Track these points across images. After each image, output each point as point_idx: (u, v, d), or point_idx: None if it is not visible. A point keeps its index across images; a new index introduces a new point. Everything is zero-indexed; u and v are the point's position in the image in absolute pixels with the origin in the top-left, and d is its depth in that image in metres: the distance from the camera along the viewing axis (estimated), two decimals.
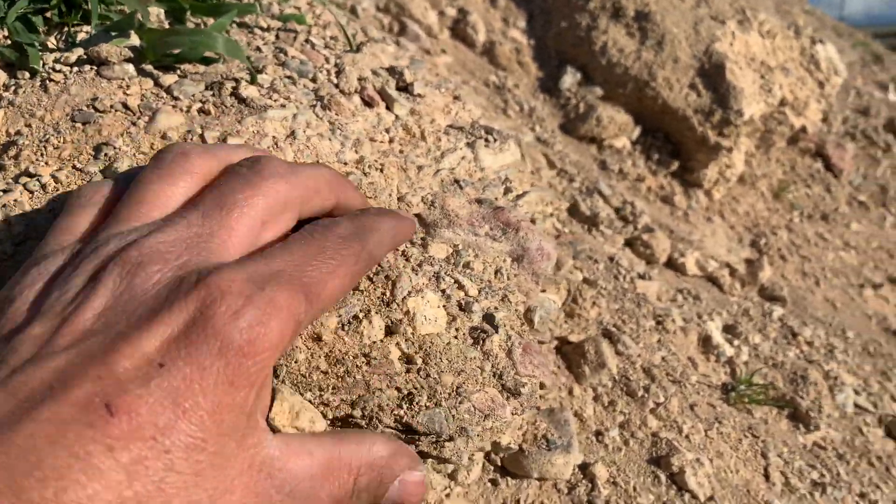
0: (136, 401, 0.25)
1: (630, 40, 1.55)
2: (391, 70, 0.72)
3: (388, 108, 0.67)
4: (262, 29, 0.69)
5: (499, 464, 0.70)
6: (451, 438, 0.49)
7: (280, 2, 0.76)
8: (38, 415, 0.24)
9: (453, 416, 0.48)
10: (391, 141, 0.64)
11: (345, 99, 0.63)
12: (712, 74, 1.52)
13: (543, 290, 0.72)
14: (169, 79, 0.54)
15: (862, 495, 0.96)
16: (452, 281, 0.55)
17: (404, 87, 0.71)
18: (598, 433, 0.78)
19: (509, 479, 0.70)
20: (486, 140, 0.74)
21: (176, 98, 0.53)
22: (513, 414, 0.53)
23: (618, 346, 0.87)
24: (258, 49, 0.65)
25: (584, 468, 0.73)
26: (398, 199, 0.60)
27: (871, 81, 3.17)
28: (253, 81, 0.57)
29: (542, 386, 0.56)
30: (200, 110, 0.53)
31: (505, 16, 1.70)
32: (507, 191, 0.70)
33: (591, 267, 0.98)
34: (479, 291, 0.56)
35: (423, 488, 0.38)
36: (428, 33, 1.44)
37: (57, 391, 0.25)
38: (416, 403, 0.46)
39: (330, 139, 0.56)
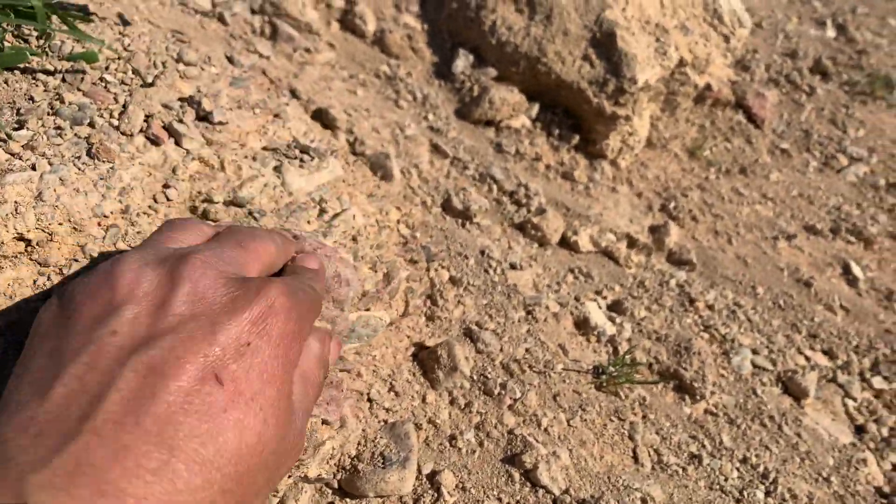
0: (237, 372, 0.35)
1: (519, 17, 1.53)
2: (189, 100, 0.70)
3: (177, 143, 0.65)
4: (47, 73, 0.68)
5: (335, 486, 0.70)
6: None
7: (82, 39, 0.74)
8: (167, 390, 0.32)
9: None
10: (178, 178, 0.63)
11: (122, 142, 0.61)
12: (604, 43, 1.50)
13: (367, 309, 0.72)
14: None
15: (744, 460, 0.97)
16: None
17: (204, 117, 0.70)
18: (451, 438, 0.78)
19: (348, 500, 0.70)
20: (301, 160, 0.73)
21: None
22: None
23: (477, 344, 0.88)
24: (31, 99, 0.63)
25: (432, 477, 0.74)
26: None
27: (810, 18, 3.15)
28: (5, 141, 0.55)
29: (324, 422, 0.55)
30: None
31: (397, 1, 1.67)
32: (322, 212, 0.70)
33: (458, 264, 0.98)
34: None
35: (340, 344, 0.57)
36: (309, 30, 1.42)
37: (174, 368, 0.33)
38: None
39: (87, 193, 0.55)
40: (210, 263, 0.39)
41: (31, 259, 0.51)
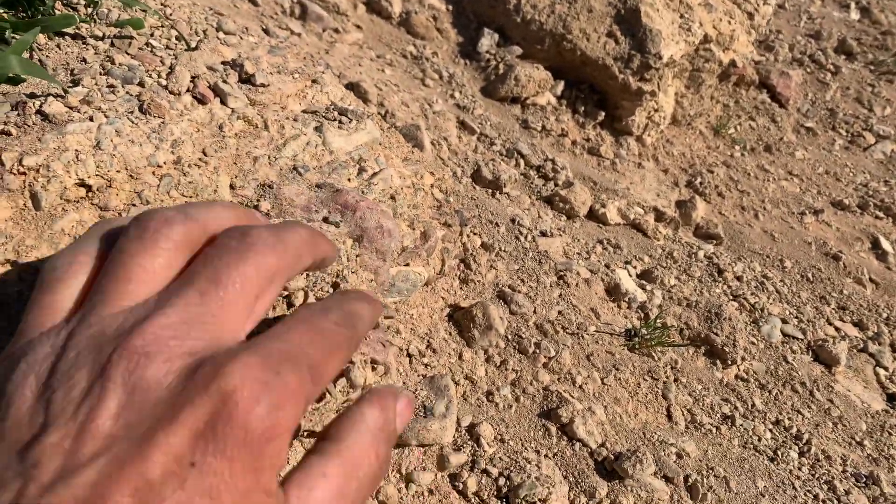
0: None
1: None
2: (232, 63, 0.73)
3: (223, 102, 0.68)
4: (96, 38, 0.70)
5: None
6: None
7: (128, 5, 0.76)
8: None
9: None
10: (224, 135, 0.65)
11: (171, 100, 0.64)
12: (629, 20, 1.51)
13: (406, 264, 0.73)
14: None
15: (776, 422, 0.98)
16: None
17: (247, 79, 0.72)
18: (489, 393, 0.80)
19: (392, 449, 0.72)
20: (340, 122, 0.75)
21: None
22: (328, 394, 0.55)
23: (511, 306, 0.89)
24: (83, 60, 0.65)
25: (471, 429, 0.75)
26: (230, 188, 0.62)
27: (833, 1, 3.13)
28: (63, 96, 0.58)
29: (373, 362, 0.57)
30: (2, 132, 0.54)
31: None
32: (361, 171, 0.72)
33: (490, 231, 1.00)
34: (309, 278, 0.58)
35: (413, 402, 0.39)
36: (336, 11, 1.44)
37: None
38: None
39: (142, 144, 0.57)
40: (156, 346, 0.30)
41: (92, 203, 0.53)
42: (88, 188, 0.54)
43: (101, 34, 0.71)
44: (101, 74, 0.64)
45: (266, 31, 0.88)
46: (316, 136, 0.71)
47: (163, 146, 0.58)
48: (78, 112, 0.57)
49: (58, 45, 0.69)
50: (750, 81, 2.03)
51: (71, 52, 0.68)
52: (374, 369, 0.58)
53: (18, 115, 0.56)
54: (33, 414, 0.28)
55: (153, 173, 0.57)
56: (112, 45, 0.71)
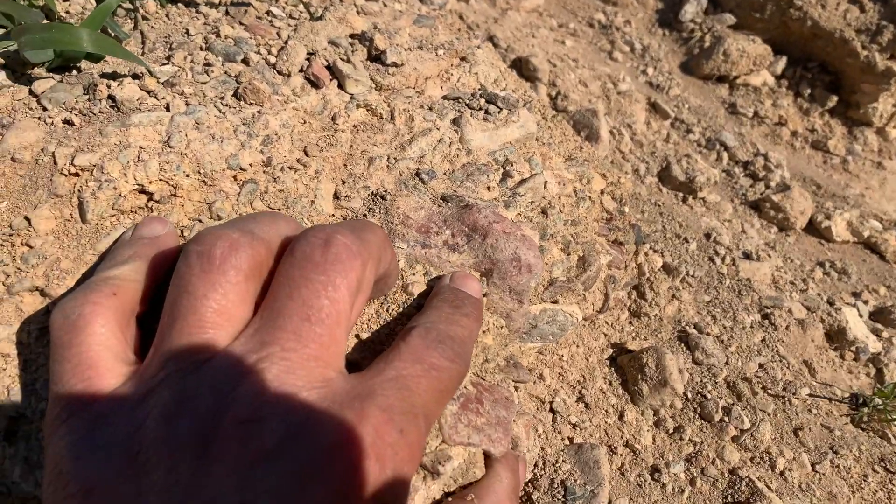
0: None
1: None
2: (361, 37, 0.59)
3: (341, 86, 0.54)
4: (210, 5, 0.60)
5: None
6: None
7: None
8: None
9: None
10: (336, 128, 0.52)
11: (275, 82, 0.51)
12: None
13: (555, 301, 0.57)
14: (43, 85, 0.46)
15: None
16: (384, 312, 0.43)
17: (376, 57, 0.58)
18: (654, 470, 0.62)
19: None
20: (486, 112, 0.59)
21: (44, 108, 0.45)
22: (425, 501, 0.40)
23: (695, 353, 0.69)
24: (186, 33, 0.55)
25: None
26: (333, 198, 0.48)
27: None
28: (143, 77, 0.47)
29: (486, 455, 0.42)
30: (66, 121, 0.44)
31: None
32: (506, 176, 0.56)
33: (675, 248, 0.80)
34: None
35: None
36: None
37: None
38: None
39: (224, 140, 0.45)
40: (267, 402, 0.27)
41: (149, 215, 0.42)
42: (150, 196, 0.43)
43: (217, 0, 0.60)
44: (200, 50, 0.53)
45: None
46: (451, 132, 0.56)
47: (251, 143, 0.46)
48: (154, 97, 0.46)
49: (167, 15, 0.59)
50: None
51: (179, 22, 0.58)
52: (489, 458, 0.43)
53: (89, 99, 0.46)
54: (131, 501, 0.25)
55: (234, 178, 0.45)
56: (227, 13, 0.60)
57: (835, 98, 1.24)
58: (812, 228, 1.02)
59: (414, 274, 0.45)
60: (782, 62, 1.26)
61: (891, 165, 1.23)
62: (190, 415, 0.26)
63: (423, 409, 0.31)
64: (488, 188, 0.54)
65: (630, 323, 0.71)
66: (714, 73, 1.23)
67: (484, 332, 0.47)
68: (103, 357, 0.30)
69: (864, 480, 0.66)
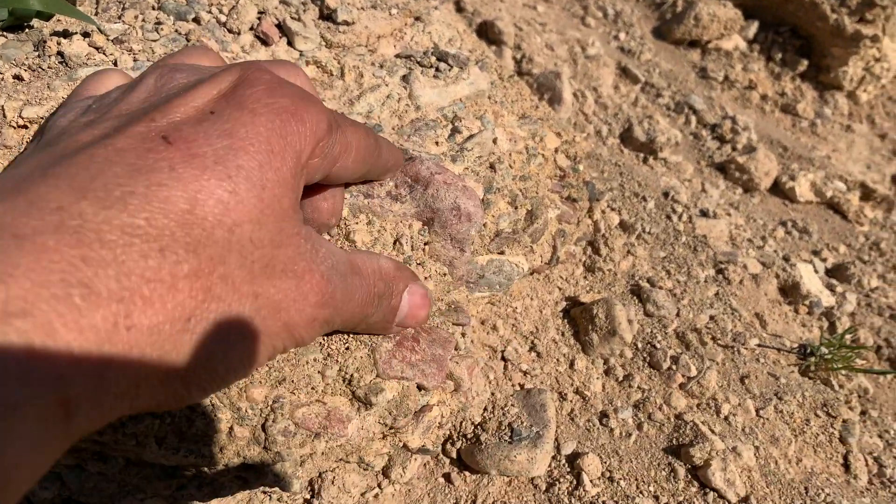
0: (193, 133, 0.26)
1: None
2: None
3: (290, 43, 0.56)
4: None
5: (454, 456, 0.59)
6: (266, 465, 0.40)
7: None
8: (95, 148, 0.25)
9: (261, 439, 0.39)
10: None
11: (225, 40, 0.53)
12: None
13: (501, 252, 0.59)
14: None
15: None
16: None
17: (328, 15, 0.60)
18: (603, 415, 0.64)
19: (468, 474, 0.59)
20: (437, 69, 0.61)
21: None
22: (361, 430, 0.42)
23: (647, 305, 0.72)
24: None
25: (573, 459, 0.61)
26: None
27: None
28: (93, 34, 0.49)
29: (420, 388, 0.44)
30: (15, 76, 0.46)
31: None
32: (454, 132, 0.57)
33: (633, 206, 0.82)
34: None
35: (429, 301, 0.42)
36: None
37: (111, 135, 0.26)
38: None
39: None
40: (189, 65, 0.33)
41: None
42: None
43: None
44: (152, 9, 0.55)
45: None
46: (401, 88, 0.57)
47: None
48: (102, 53, 0.48)
49: None
50: None
51: None
52: (423, 390, 0.45)
53: (39, 55, 0.48)
54: (83, 123, 0.30)
55: None
56: None
57: (805, 62, 1.25)
58: (777, 189, 1.04)
59: (357, 223, 0.47)
60: (754, 27, 1.27)
61: (859, 128, 1.24)
62: (129, 90, 0.32)
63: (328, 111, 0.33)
64: (436, 143, 0.56)
65: (584, 277, 0.73)
66: (685, 37, 1.24)
67: (426, 278, 0.49)
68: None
69: (807, 424, 0.69)
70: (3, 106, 0.44)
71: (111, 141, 0.26)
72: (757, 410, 0.67)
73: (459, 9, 0.93)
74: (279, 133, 0.28)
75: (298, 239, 0.30)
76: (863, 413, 0.73)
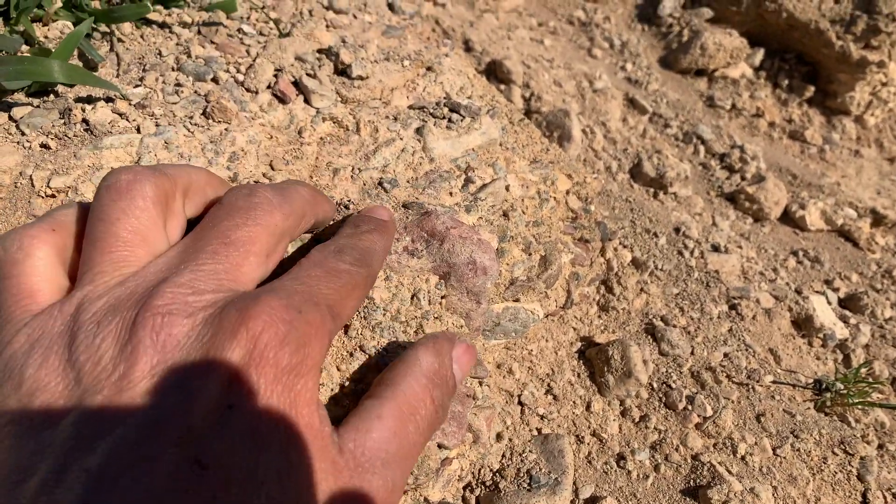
0: (220, 447, 0.26)
1: None
2: (328, 51, 0.62)
3: (307, 101, 0.57)
4: (183, 25, 0.62)
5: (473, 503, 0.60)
6: None
7: None
8: (131, 495, 0.24)
9: None
10: (303, 142, 0.54)
11: (244, 99, 0.54)
12: None
13: (516, 300, 0.59)
14: (21, 110, 0.49)
15: None
16: None
17: (342, 70, 0.61)
18: (620, 457, 0.65)
19: None
20: (449, 120, 0.62)
21: (23, 132, 0.48)
22: None
23: (661, 344, 0.72)
24: (158, 53, 0.58)
25: (592, 503, 0.61)
26: None
27: None
28: (115, 100, 0.50)
29: (441, 447, 0.45)
30: (43, 145, 0.47)
31: None
32: (468, 182, 0.58)
33: (645, 243, 0.82)
34: (376, 329, 0.46)
35: (474, 350, 0.41)
36: None
37: (141, 469, 0.24)
38: None
39: (191, 158, 0.48)
40: (177, 304, 0.29)
41: None
42: None
43: (189, 20, 0.63)
44: (172, 70, 0.56)
45: (391, 7, 0.76)
46: (415, 140, 0.59)
47: (218, 160, 0.49)
48: (126, 120, 0.49)
49: (142, 35, 0.62)
50: None
51: (153, 42, 0.61)
52: (443, 448, 0.46)
53: (65, 123, 0.49)
54: (66, 387, 0.27)
55: None
56: (199, 32, 0.63)
57: (812, 88, 1.26)
58: (787, 218, 1.04)
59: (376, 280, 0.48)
60: (760, 54, 1.28)
61: (868, 153, 1.25)
62: (112, 315, 0.29)
63: (324, 300, 0.32)
64: (450, 194, 0.57)
65: (599, 317, 0.74)
66: (692, 66, 1.25)
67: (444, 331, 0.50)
68: (42, 287, 0.32)
69: (824, 463, 0.69)
70: (31, 176, 0.45)
71: (147, 482, 0.25)
72: (774, 449, 0.68)
73: (468, 48, 0.95)
74: (290, 407, 0.29)
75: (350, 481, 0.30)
76: (880, 447, 0.73)
